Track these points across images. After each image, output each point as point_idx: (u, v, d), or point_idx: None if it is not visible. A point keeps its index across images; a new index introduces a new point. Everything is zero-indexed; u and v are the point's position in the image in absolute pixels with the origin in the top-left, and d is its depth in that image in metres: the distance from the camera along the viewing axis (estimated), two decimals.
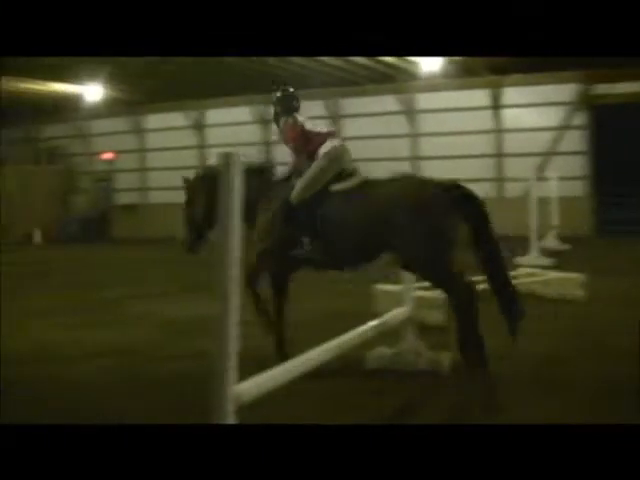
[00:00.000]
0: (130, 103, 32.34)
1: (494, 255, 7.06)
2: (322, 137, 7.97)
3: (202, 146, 32.56)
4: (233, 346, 3.81)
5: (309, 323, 10.23)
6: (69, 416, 6.11)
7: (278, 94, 8.38)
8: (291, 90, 8.43)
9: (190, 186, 9.23)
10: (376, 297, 10.84)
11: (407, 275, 7.78)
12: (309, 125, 8.13)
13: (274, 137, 30.68)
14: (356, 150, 26.02)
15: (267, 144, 30.82)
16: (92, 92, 27.67)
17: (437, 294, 9.96)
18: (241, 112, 31.23)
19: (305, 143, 7.97)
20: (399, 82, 27.78)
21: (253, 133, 31.09)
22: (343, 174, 7.78)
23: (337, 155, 7.85)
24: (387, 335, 7.49)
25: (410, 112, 28.44)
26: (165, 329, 10.53)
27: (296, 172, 8.01)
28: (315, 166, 7.73)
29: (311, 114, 27.13)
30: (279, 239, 7.80)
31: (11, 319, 11.00)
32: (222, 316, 3.80)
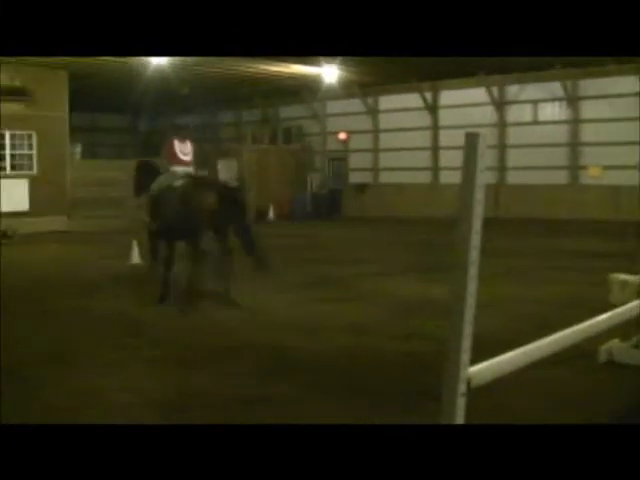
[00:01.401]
0: (365, 85, 32.82)
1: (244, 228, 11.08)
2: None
3: (435, 127, 32.54)
4: (468, 329, 3.80)
5: (539, 311, 10.11)
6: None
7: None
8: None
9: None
10: (614, 287, 10.46)
11: None
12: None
13: (509, 119, 30.36)
14: (592, 133, 25.45)
15: (502, 125, 30.39)
16: (329, 74, 28.24)
17: None
18: (475, 93, 30.90)
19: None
20: None
21: (487, 114, 30.72)
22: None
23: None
24: (623, 327, 7.23)
25: None
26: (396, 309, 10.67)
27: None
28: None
29: (550, 96, 26.78)
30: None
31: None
32: (459, 298, 3.80)
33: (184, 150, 12.27)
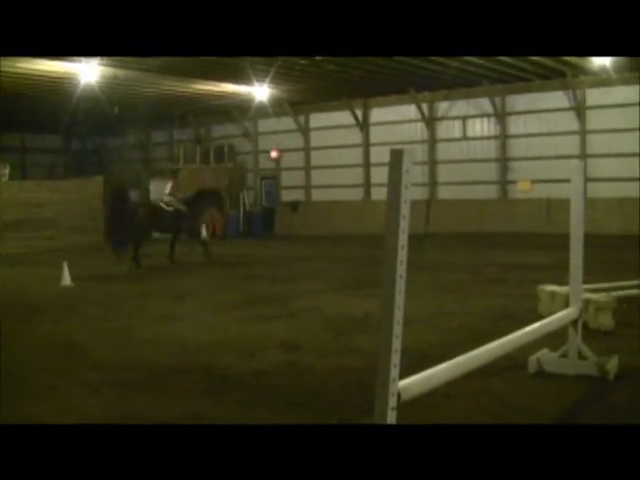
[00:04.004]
0: (296, 103, 32.93)
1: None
2: None
3: (366, 144, 32.75)
4: (397, 343, 3.83)
5: (472, 323, 10.24)
6: None
7: None
8: None
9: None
10: (543, 298, 10.64)
11: (575, 277, 7.58)
12: None
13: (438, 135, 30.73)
14: (520, 147, 26.03)
15: (432, 141, 30.74)
16: (260, 92, 28.24)
17: (606, 297, 9.72)
18: (406, 110, 31.22)
19: None
20: (568, 77, 27.04)
21: (417, 131, 31.07)
22: None
23: None
24: (552, 337, 7.35)
25: (579, 108, 27.62)
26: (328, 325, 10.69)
27: None
28: None
29: (478, 112, 27.25)
30: None
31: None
32: (388, 313, 3.83)
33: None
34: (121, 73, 23.45)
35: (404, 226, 3.76)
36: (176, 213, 20.40)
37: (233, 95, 29.57)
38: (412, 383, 4.23)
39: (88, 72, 22.24)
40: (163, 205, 20.54)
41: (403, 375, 4.09)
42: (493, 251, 21.42)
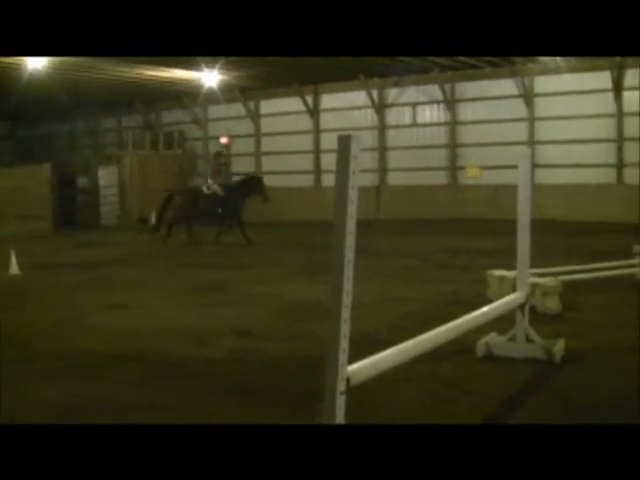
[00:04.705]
0: (246, 89, 32.80)
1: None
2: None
3: (316, 130, 32.77)
4: (345, 328, 3.86)
5: (422, 309, 10.33)
6: None
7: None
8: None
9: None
10: (492, 283, 10.77)
11: (522, 262, 7.68)
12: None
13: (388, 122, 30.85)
14: (470, 134, 26.49)
15: (382, 127, 30.84)
16: (209, 78, 28.07)
17: (553, 281, 9.87)
18: (356, 96, 31.27)
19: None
20: (517, 65, 27.30)
21: (367, 117, 31.15)
22: None
23: None
24: (502, 321, 7.46)
25: (527, 95, 27.89)
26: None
27: None
28: None
29: (428, 98, 27.61)
30: None
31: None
32: (337, 298, 3.86)
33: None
34: (69, 59, 23.13)
35: (352, 212, 3.78)
36: (214, 197, 21.30)
37: (183, 81, 29.36)
38: (361, 368, 4.27)
39: (36, 58, 21.89)
40: (205, 189, 21.74)
41: (352, 360, 4.13)
42: (443, 237, 21.58)
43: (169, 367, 7.77)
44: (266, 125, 34.22)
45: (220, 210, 21.37)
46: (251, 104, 34.43)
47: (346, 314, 3.86)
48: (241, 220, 21.66)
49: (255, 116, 34.53)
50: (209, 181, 21.86)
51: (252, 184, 22.16)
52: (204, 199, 21.45)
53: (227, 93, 31.99)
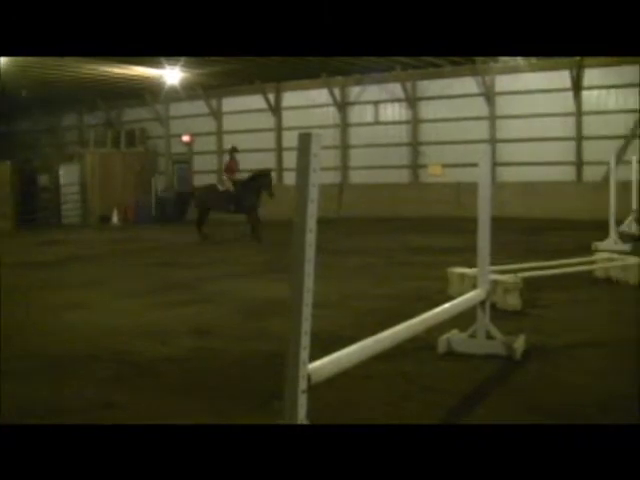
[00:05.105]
0: (208, 86, 32.69)
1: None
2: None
3: (279, 128, 32.75)
4: (306, 325, 3.86)
5: (385, 306, 10.36)
6: None
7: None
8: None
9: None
10: (453, 280, 10.83)
11: (482, 259, 7.73)
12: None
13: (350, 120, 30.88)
14: (432, 132, 26.75)
15: (344, 126, 30.88)
16: (171, 76, 27.96)
17: (513, 278, 9.94)
18: (318, 94, 31.29)
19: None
20: (478, 64, 27.50)
21: (329, 115, 31.19)
22: None
23: None
24: (461, 318, 7.49)
25: (488, 94, 28.10)
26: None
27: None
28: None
29: (390, 97, 27.81)
30: None
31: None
32: (297, 296, 3.86)
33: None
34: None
35: (312, 210, 3.79)
36: (226, 194, 21.52)
37: (145, 78, 29.23)
38: (322, 365, 4.27)
39: None
40: (219, 186, 22.44)
41: (315, 358, 4.13)
42: (405, 234, 21.67)
43: (127, 367, 7.71)
44: (228, 123, 34.17)
45: (232, 207, 21.34)
46: (213, 102, 34.36)
47: (307, 312, 3.86)
48: (255, 216, 21.31)
49: (217, 114, 34.46)
50: (223, 177, 22.23)
51: (262, 179, 21.68)
52: (217, 196, 21.57)
53: (189, 91, 31.89)
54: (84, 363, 7.89)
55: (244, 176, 21.92)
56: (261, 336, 8.84)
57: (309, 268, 3.83)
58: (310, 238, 3.80)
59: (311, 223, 3.79)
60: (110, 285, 13.43)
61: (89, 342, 8.88)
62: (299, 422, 3.85)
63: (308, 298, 3.86)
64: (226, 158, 23.58)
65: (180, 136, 35.17)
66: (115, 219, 31.63)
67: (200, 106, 34.30)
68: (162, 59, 24.69)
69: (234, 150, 22.56)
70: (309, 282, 3.84)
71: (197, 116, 34.69)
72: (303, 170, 3.76)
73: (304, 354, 3.88)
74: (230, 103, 34.01)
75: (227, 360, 7.85)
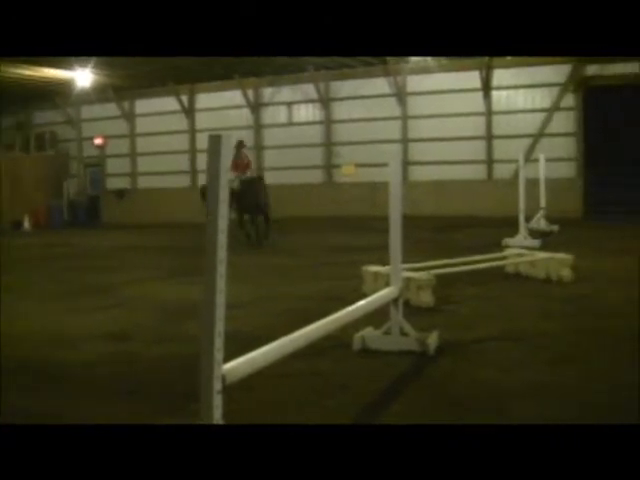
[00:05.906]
0: (120, 88, 32.32)
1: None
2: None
3: (192, 130, 32.57)
4: (220, 326, 3.89)
5: (300, 306, 10.42)
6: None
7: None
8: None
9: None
10: (367, 278, 10.95)
11: (395, 257, 7.84)
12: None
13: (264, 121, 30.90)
14: (345, 133, 27.04)
15: (258, 127, 30.89)
16: (82, 78, 27.56)
17: (426, 275, 10.11)
18: (231, 96, 31.23)
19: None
20: (390, 64, 27.81)
21: (243, 116, 31.17)
22: None
23: None
24: (375, 316, 7.59)
25: (400, 94, 28.45)
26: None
27: None
28: None
29: (304, 97, 28.01)
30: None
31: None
32: (210, 297, 3.88)
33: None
34: None
35: (223, 211, 3.82)
36: (232, 193, 19.69)
37: (54, 80, 28.71)
38: (237, 366, 4.29)
39: None
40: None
41: (229, 359, 4.15)
42: (319, 234, 21.79)
43: (39, 374, 7.59)
44: (141, 125, 33.86)
45: (236, 207, 19.37)
46: (125, 104, 34.00)
47: (220, 312, 3.89)
48: (265, 217, 20.24)
49: (130, 116, 34.11)
50: (231, 175, 20.22)
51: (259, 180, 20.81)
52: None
53: (101, 93, 31.47)
54: None
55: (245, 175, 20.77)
56: (176, 339, 8.80)
57: (221, 269, 3.86)
58: (222, 239, 3.83)
59: (222, 224, 3.82)
60: (20, 291, 13.17)
61: (4, 349, 8.70)
62: (215, 422, 3.87)
63: (221, 299, 3.88)
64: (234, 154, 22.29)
65: (92, 139, 34.70)
66: (27, 224, 31.06)
67: (112, 108, 33.90)
68: (72, 60, 24.33)
69: (241, 145, 20.95)
70: (221, 283, 3.87)
71: (109, 119, 34.28)
72: (214, 171, 3.78)
73: (218, 355, 3.90)
74: (143, 105, 33.70)
75: (143, 364, 7.79)
